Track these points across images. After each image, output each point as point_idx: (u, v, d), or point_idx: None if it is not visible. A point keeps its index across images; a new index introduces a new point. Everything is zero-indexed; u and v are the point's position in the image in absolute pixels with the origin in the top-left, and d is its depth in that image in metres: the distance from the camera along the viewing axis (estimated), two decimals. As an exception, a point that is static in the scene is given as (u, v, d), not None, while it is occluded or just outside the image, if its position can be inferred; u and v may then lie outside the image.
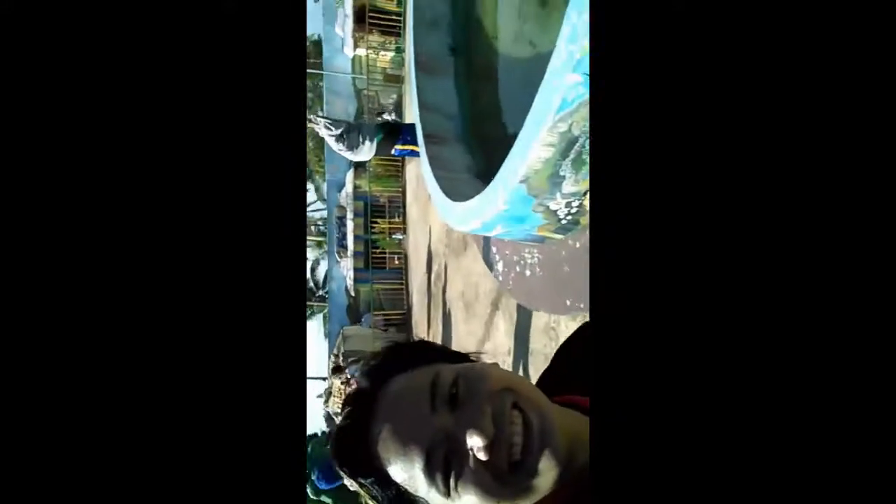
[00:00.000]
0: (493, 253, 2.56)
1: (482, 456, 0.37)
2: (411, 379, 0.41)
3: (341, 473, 0.42)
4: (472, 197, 2.60)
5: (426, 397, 0.39)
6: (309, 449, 5.57)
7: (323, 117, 3.68)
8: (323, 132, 3.61)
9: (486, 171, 2.60)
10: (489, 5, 2.33)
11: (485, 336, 3.52)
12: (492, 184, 1.63)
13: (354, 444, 0.41)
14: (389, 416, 0.40)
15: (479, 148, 2.70)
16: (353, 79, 8.77)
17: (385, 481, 0.40)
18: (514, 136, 2.42)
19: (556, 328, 2.24)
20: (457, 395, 0.39)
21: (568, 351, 0.58)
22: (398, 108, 8.21)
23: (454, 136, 2.78)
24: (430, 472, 0.38)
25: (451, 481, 0.37)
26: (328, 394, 8.37)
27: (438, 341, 4.83)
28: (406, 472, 0.39)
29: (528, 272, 2.20)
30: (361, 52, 8.22)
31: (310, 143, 16.61)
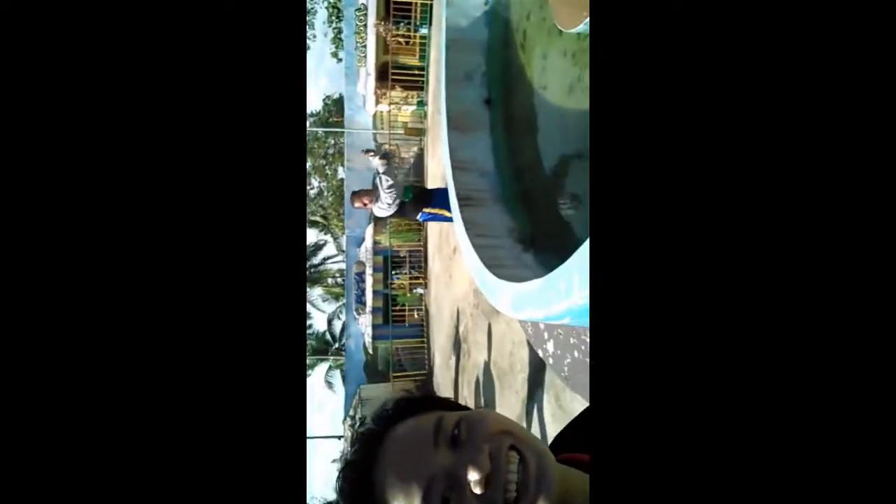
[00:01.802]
0: (541, 330, 2.19)
1: (478, 490, 0.39)
2: (417, 422, 0.44)
3: None
4: (515, 268, 2.22)
5: (429, 437, 0.42)
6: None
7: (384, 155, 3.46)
8: (383, 168, 3.34)
9: (530, 234, 2.28)
10: (532, 54, 2.10)
11: (523, 413, 3.08)
12: (563, 269, 1.29)
13: (359, 478, 0.43)
14: (394, 452, 0.43)
15: (519, 207, 2.39)
16: (374, 134, 8.82)
17: None
18: (567, 195, 2.14)
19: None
20: (458, 437, 0.42)
21: (579, 422, 0.60)
22: (419, 159, 8.14)
23: (491, 196, 2.49)
24: (427, 498, 0.40)
25: None
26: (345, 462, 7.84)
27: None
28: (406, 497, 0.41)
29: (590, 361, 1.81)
30: (383, 108, 8.28)
31: (329, 198, 16.86)
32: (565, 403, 2.48)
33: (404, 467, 0.41)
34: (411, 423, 0.44)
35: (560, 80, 1.86)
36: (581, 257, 1.23)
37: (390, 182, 3.35)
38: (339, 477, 0.45)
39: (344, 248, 11.89)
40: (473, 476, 0.39)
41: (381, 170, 3.39)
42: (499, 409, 3.53)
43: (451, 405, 0.49)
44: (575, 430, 0.59)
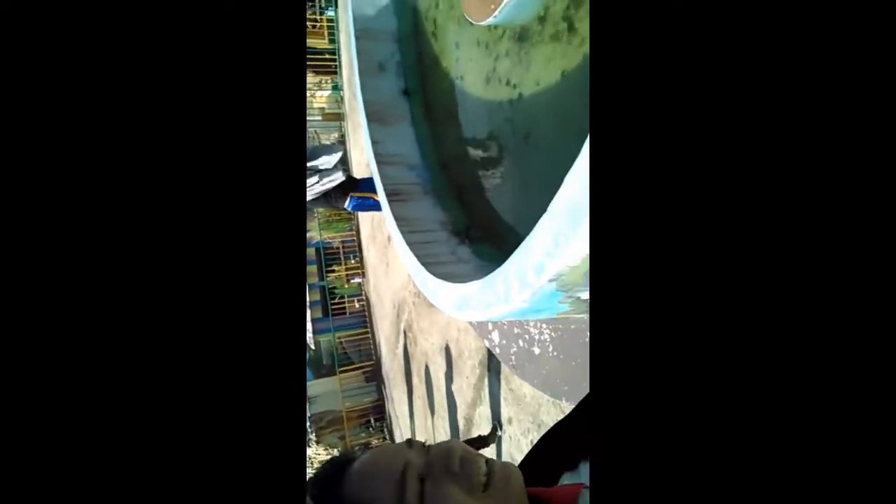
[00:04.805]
0: (485, 321, 2.20)
1: (457, 465, 0.41)
2: (385, 444, 0.49)
3: None
4: (452, 263, 2.22)
5: (403, 444, 0.45)
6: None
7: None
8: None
9: (464, 226, 2.27)
10: (444, 44, 2.04)
11: (476, 399, 3.14)
12: (500, 273, 1.27)
13: (333, 478, 0.44)
14: (365, 461, 0.45)
15: (450, 199, 2.36)
16: (289, 121, 8.29)
17: None
18: (493, 182, 2.12)
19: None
20: (429, 448, 0.45)
21: (550, 441, 0.62)
22: (341, 146, 7.81)
23: (421, 189, 2.45)
24: (402, 492, 0.41)
25: (425, 496, 0.41)
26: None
27: (421, 400, 4.39)
28: (380, 494, 0.41)
29: (536, 350, 1.85)
30: (295, 92, 7.79)
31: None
32: (515, 387, 2.55)
33: (377, 464, 0.43)
34: (377, 449, 0.46)
35: (476, 70, 1.81)
36: (521, 269, 1.23)
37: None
38: (311, 482, 0.45)
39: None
40: (450, 457, 0.41)
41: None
42: (451, 398, 3.57)
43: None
44: (559, 439, 0.61)
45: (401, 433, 5.40)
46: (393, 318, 5.31)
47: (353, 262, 7.45)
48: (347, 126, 7.44)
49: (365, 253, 7.11)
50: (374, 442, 6.03)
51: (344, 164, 3.39)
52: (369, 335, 7.12)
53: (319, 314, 7.82)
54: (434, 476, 0.41)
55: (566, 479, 0.55)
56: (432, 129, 2.36)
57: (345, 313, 7.54)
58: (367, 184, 3.24)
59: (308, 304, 7.90)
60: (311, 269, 7.89)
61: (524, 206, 1.77)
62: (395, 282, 5.12)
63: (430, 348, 3.99)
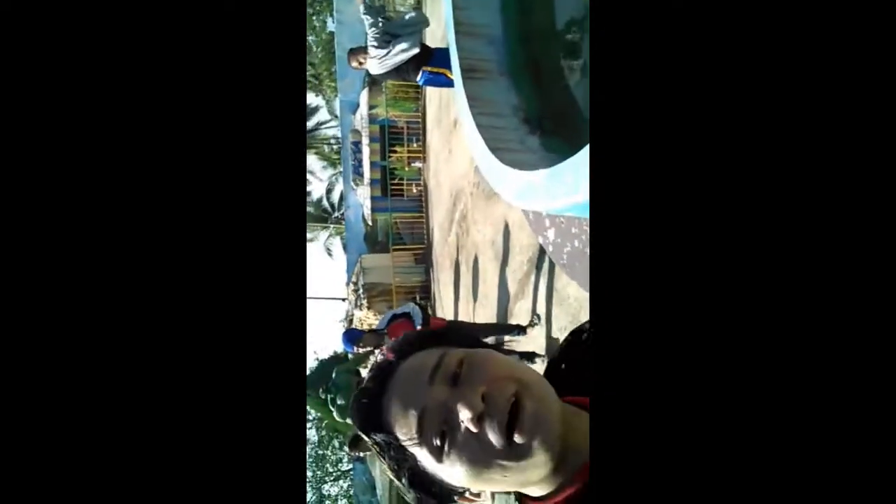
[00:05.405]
0: (543, 217, 2.15)
1: (472, 427, 0.40)
2: (424, 356, 0.46)
3: (362, 435, 0.47)
4: (519, 152, 2.11)
5: (428, 371, 0.44)
6: (334, 374, 5.64)
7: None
8: (363, 8, 2.91)
9: (536, 114, 2.12)
10: None
11: (519, 294, 3.21)
12: (571, 161, 1.19)
13: (370, 405, 0.46)
14: (397, 383, 0.45)
15: (527, 80, 2.18)
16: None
17: (394, 443, 0.44)
18: (576, 68, 1.91)
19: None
20: (459, 375, 0.43)
21: (577, 345, 0.61)
22: (419, 9, 7.23)
23: (497, 68, 2.26)
24: (421, 435, 0.42)
25: (446, 447, 0.42)
26: (350, 321, 8.48)
27: (466, 288, 4.57)
28: (404, 434, 0.43)
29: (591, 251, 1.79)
30: (374, -55, 7.07)
31: (318, 54, 15.39)
32: (560, 287, 2.56)
33: (403, 398, 0.44)
34: (420, 356, 0.46)
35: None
36: (595, 154, 1.12)
37: (370, 20, 2.92)
38: (353, 402, 0.48)
39: (337, 114, 11.24)
40: (464, 414, 0.40)
41: (361, 10, 2.97)
42: (495, 290, 3.67)
43: (469, 340, 0.49)
44: (577, 346, 0.58)
45: (443, 314, 5.74)
46: (449, 206, 5.34)
47: (415, 145, 7.35)
48: (427, -8, 6.80)
49: (428, 137, 6.95)
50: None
51: (420, 33, 3.13)
52: (423, 220, 7.27)
53: (378, 193, 7.99)
54: (452, 427, 0.41)
55: None
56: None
57: (402, 196, 7.65)
58: (440, 56, 3.01)
59: (368, 181, 8.06)
60: (375, 146, 7.89)
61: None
62: (456, 170, 5.04)
63: (482, 240, 4.03)
